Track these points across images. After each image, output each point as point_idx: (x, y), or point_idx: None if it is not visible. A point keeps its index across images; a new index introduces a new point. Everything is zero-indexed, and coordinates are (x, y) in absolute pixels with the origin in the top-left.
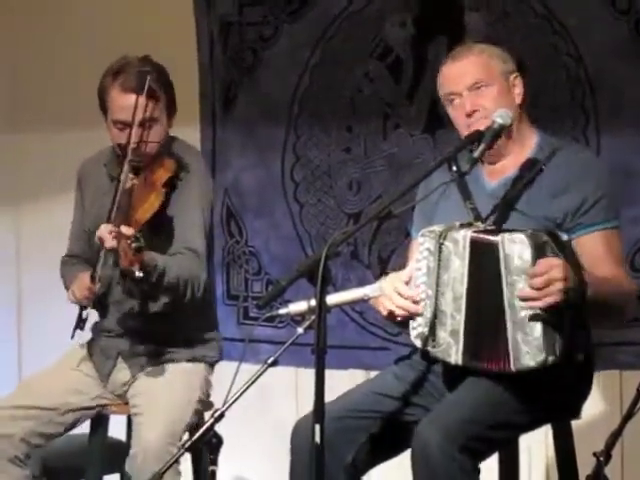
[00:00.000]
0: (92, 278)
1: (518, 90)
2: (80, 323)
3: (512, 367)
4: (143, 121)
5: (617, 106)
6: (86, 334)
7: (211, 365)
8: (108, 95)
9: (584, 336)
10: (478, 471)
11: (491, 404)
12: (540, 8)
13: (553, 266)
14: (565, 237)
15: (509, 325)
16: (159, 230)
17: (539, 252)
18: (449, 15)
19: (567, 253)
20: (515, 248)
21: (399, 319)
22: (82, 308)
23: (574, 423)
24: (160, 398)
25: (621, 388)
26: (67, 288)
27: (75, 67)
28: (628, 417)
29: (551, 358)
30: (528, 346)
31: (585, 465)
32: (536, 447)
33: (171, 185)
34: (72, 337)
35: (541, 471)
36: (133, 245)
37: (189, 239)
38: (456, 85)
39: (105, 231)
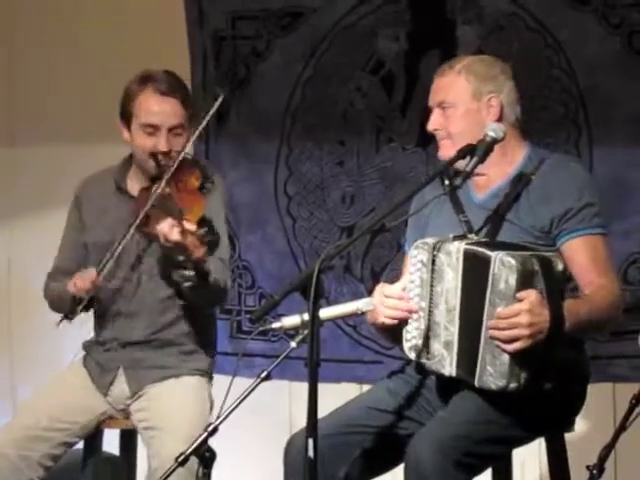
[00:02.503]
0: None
1: (493, 112)
2: (69, 314)
3: (476, 383)
4: (175, 127)
5: (609, 119)
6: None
7: (210, 378)
8: (136, 100)
9: (553, 365)
10: None
11: (484, 419)
12: (533, 22)
13: (521, 311)
14: (560, 267)
15: (482, 343)
16: None
17: (525, 281)
18: (441, 29)
19: (555, 285)
20: (504, 271)
21: (394, 322)
22: (76, 300)
23: (567, 436)
24: (176, 413)
25: (614, 400)
26: (52, 300)
27: (71, 81)
28: (621, 430)
29: (513, 385)
30: (493, 369)
31: (578, 478)
32: (529, 461)
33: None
34: (58, 325)
35: None
36: (201, 236)
37: (220, 251)
38: (431, 99)
39: (168, 226)
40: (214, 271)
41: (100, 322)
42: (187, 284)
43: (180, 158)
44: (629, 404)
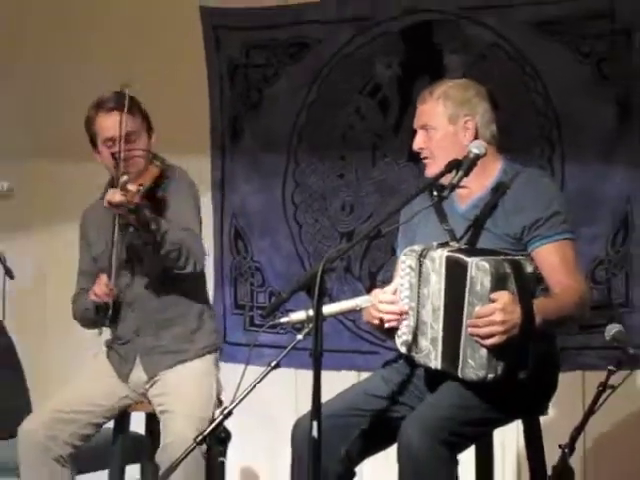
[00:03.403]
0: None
1: (469, 133)
2: (102, 322)
3: (459, 374)
4: (128, 134)
5: (580, 138)
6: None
7: (216, 351)
8: (94, 123)
9: (527, 356)
10: (456, 462)
11: (467, 404)
12: (512, 51)
13: (495, 309)
14: (530, 269)
15: (462, 339)
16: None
17: (499, 282)
18: (430, 57)
19: (526, 285)
20: (479, 274)
21: (387, 325)
22: (101, 309)
23: (542, 419)
24: (186, 396)
25: (584, 387)
26: (82, 318)
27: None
28: (590, 413)
29: (491, 376)
30: (473, 361)
31: (552, 456)
32: (508, 440)
33: (160, 185)
34: (99, 335)
35: (513, 462)
36: (140, 189)
37: (185, 222)
38: (416, 122)
39: (111, 192)
40: (172, 233)
41: (114, 321)
42: (147, 247)
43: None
44: (596, 390)
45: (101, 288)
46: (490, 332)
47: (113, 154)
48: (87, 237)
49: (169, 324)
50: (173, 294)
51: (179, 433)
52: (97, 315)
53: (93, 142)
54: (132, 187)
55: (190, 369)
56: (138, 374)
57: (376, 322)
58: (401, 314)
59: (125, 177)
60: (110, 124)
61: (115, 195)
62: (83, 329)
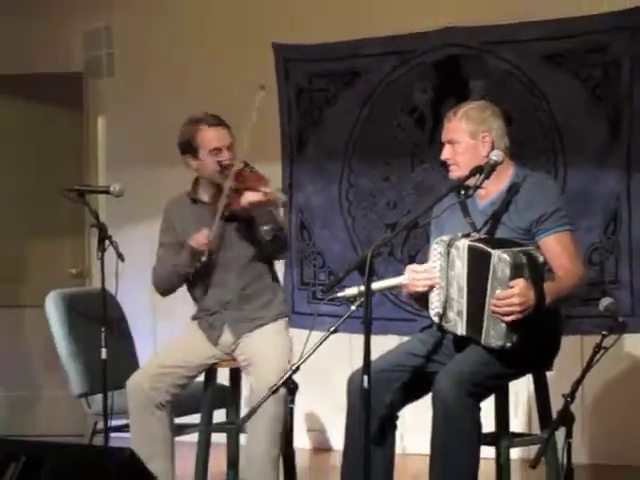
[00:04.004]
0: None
1: (487, 146)
2: (199, 265)
3: (482, 342)
4: (230, 145)
5: (578, 148)
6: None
7: (286, 317)
8: (197, 136)
9: (537, 327)
10: (479, 409)
11: (488, 361)
12: (524, 78)
13: (514, 294)
14: (541, 259)
15: (486, 314)
16: None
17: (516, 271)
18: (458, 83)
19: (538, 272)
20: (500, 264)
21: (422, 290)
22: (196, 256)
23: (548, 374)
24: (266, 353)
25: (582, 348)
26: (163, 276)
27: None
28: (587, 369)
29: (509, 344)
30: (495, 332)
31: (556, 404)
32: (521, 391)
33: None
34: (190, 277)
35: (525, 408)
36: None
37: (280, 219)
38: (443, 137)
39: (251, 194)
40: (283, 224)
41: (200, 295)
42: (268, 237)
43: (238, 165)
44: (592, 351)
45: (203, 235)
46: (509, 311)
47: (220, 162)
48: (172, 223)
49: (250, 298)
50: (253, 274)
51: (263, 380)
52: (192, 260)
53: (189, 151)
54: (265, 189)
55: (267, 330)
56: (226, 338)
57: (414, 290)
58: (433, 282)
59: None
60: (216, 136)
61: (256, 195)
62: (185, 302)
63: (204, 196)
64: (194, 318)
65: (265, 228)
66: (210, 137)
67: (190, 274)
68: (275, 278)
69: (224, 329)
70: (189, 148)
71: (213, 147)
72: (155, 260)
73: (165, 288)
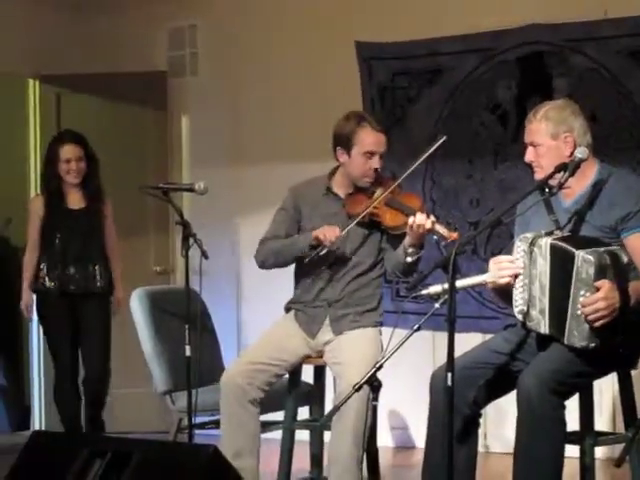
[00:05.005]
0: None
1: (569, 145)
2: (314, 256)
3: (565, 341)
4: (382, 153)
5: None
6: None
7: (382, 325)
8: (356, 134)
9: (622, 327)
10: (564, 407)
11: (572, 359)
12: (607, 75)
13: (599, 298)
14: (625, 259)
15: (569, 314)
16: None
17: (601, 272)
18: (541, 80)
19: (622, 273)
20: (585, 265)
21: (506, 281)
22: (314, 248)
23: (633, 372)
24: (357, 354)
25: None
26: (269, 254)
27: (276, 123)
28: None
29: (592, 345)
30: (578, 332)
31: None
32: (606, 390)
33: None
34: (305, 262)
35: (609, 407)
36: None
37: None
38: (526, 138)
39: (423, 218)
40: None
41: (307, 286)
42: (410, 259)
43: (404, 176)
44: None
45: (334, 232)
46: (597, 317)
47: (372, 167)
48: (299, 209)
49: (357, 302)
50: (367, 280)
51: (349, 381)
52: (310, 248)
53: (343, 145)
54: (433, 217)
55: (362, 335)
56: (324, 334)
57: (500, 282)
58: (516, 272)
59: (409, 206)
60: (376, 141)
61: (427, 222)
62: (269, 299)
63: (340, 190)
64: (288, 309)
65: (411, 250)
66: (370, 140)
67: (296, 259)
68: (382, 285)
69: (324, 324)
70: (345, 142)
71: (369, 150)
72: (266, 232)
73: (267, 262)
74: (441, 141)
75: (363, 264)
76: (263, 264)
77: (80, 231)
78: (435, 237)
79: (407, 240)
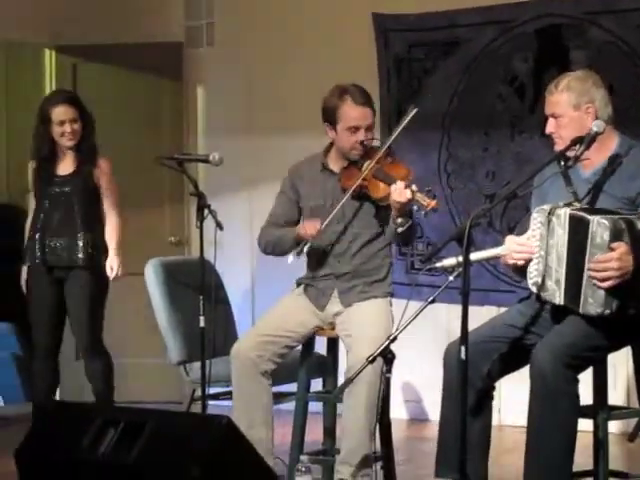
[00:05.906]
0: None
1: (591, 116)
2: (299, 252)
3: (580, 310)
4: (369, 125)
5: None
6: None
7: (392, 295)
8: (339, 109)
9: (637, 296)
10: (577, 381)
11: (586, 333)
12: (625, 47)
13: (613, 258)
14: None
15: (584, 281)
16: None
17: (616, 236)
18: (559, 52)
19: (637, 239)
20: (599, 229)
21: (521, 263)
22: (300, 242)
23: None
24: (368, 326)
25: None
26: (269, 242)
27: (291, 94)
28: None
29: (607, 311)
30: (593, 299)
31: None
32: (619, 364)
33: None
34: (290, 261)
35: (624, 381)
36: (424, 191)
37: None
38: (546, 110)
39: (400, 188)
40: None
41: (317, 262)
42: (401, 229)
43: (384, 148)
44: None
45: (313, 226)
46: (607, 276)
47: (358, 141)
48: (296, 189)
49: (365, 273)
50: (373, 251)
51: (360, 353)
52: (296, 245)
53: (329, 120)
54: (414, 187)
55: (373, 306)
56: (333, 305)
57: (512, 262)
58: (531, 254)
59: (393, 176)
60: (359, 115)
61: (406, 192)
62: (283, 269)
63: (334, 166)
64: (299, 283)
65: (400, 220)
66: (352, 115)
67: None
68: (391, 254)
69: (333, 297)
70: (330, 117)
71: (352, 125)
72: (268, 215)
73: (267, 250)
74: (413, 112)
75: (367, 235)
76: (265, 251)
77: (64, 200)
78: (415, 206)
79: (393, 210)
